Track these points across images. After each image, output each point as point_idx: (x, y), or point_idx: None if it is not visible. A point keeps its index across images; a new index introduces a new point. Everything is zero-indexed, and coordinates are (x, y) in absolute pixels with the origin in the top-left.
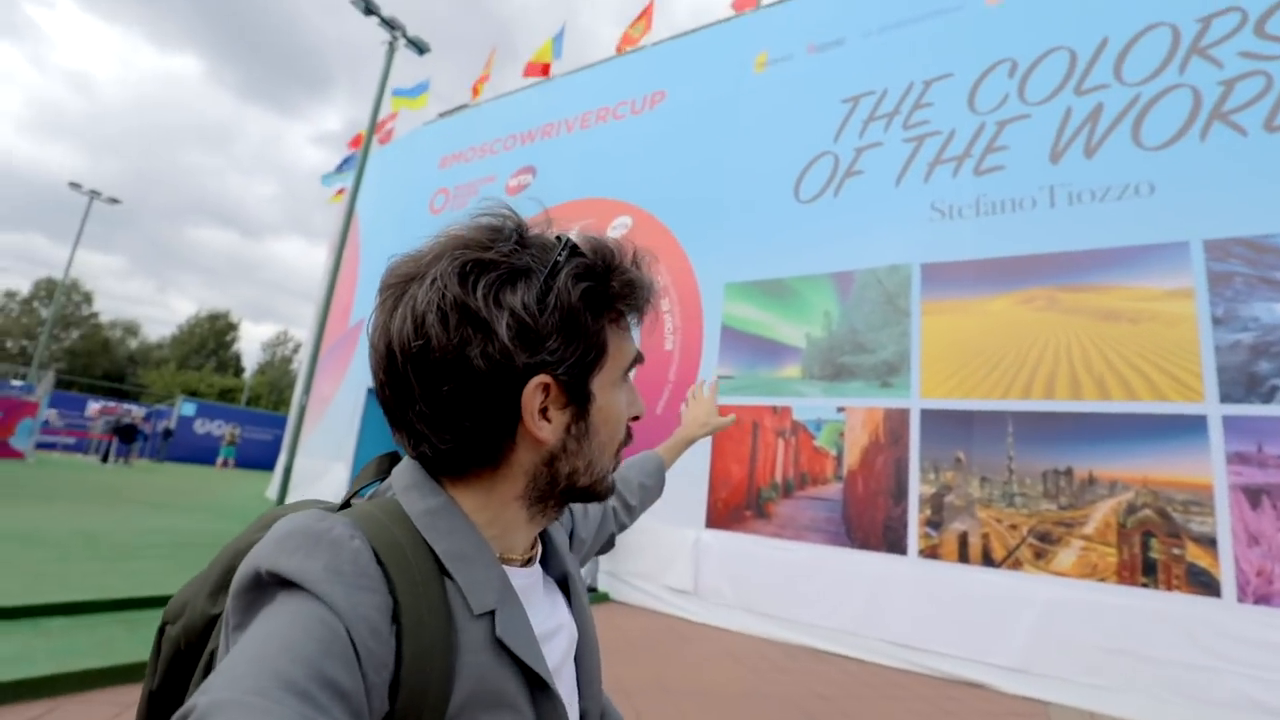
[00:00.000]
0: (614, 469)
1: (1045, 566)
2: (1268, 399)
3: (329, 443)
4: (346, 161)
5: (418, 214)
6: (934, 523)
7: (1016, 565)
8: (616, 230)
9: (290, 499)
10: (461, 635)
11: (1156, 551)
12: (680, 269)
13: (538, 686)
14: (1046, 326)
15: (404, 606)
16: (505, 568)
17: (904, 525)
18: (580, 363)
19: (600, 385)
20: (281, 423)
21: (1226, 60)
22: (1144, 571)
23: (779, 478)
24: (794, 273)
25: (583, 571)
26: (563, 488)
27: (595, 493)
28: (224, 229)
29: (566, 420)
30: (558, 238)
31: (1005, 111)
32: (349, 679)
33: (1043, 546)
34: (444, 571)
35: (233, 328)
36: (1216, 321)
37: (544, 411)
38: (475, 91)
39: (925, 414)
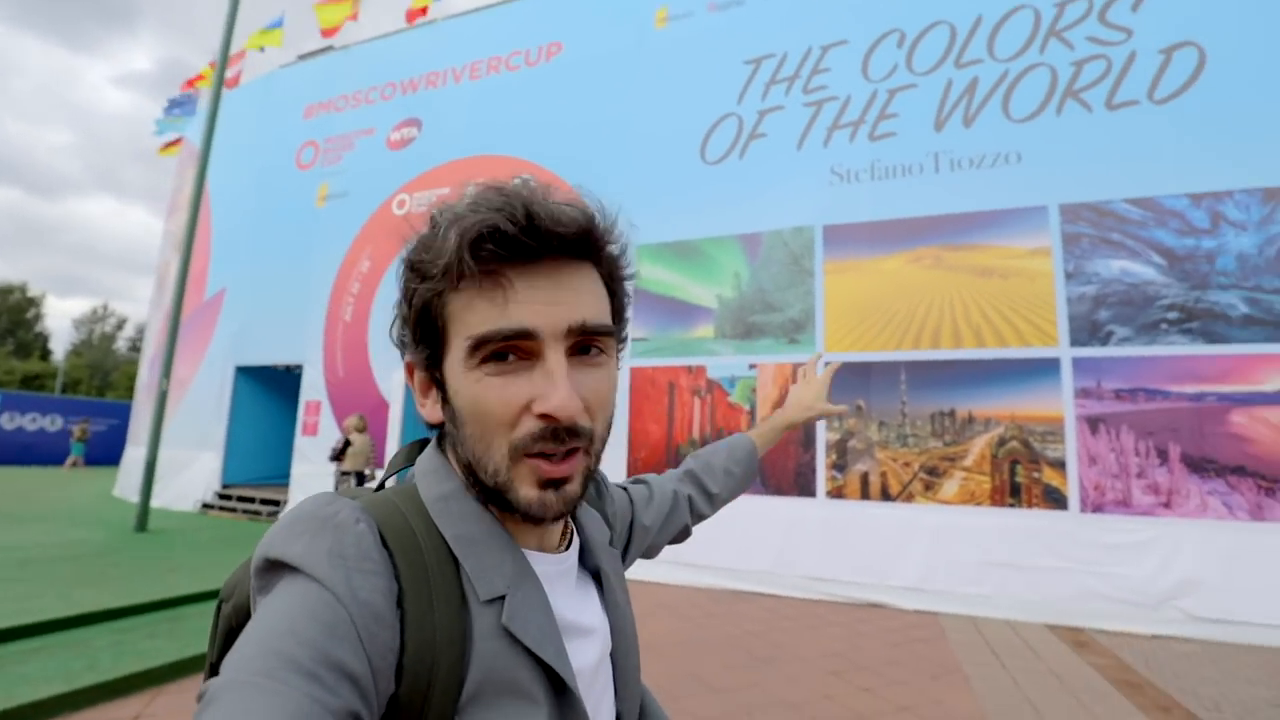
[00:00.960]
0: (534, 480)
1: (933, 497)
2: (1104, 342)
3: (192, 430)
4: (177, 105)
5: (281, 169)
6: (839, 466)
7: (910, 498)
8: None
9: (156, 493)
10: (475, 621)
11: (1021, 476)
12: None
13: (555, 680)
14: (933, 283)
15: (408, 591)
16: (528, 553)
17: (813, 470)
18: (422, 343)
19: (450, 368)
20: (118, 410)
21: (1077, 43)
22: (1011, 494)
23: (696, 434)
24: (704, 234)
25: None
26: (479, 484)
27: (506, 499)
28: (3, 185)
29: (438, 403)
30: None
31: (895, 80)
32: (355, 661)
33: (931, 480)
34: (457, 557)
35: (33, 303)
36: (1068, 276)
37: (430, 394)
38: (330, 30)
39: (829, 363)
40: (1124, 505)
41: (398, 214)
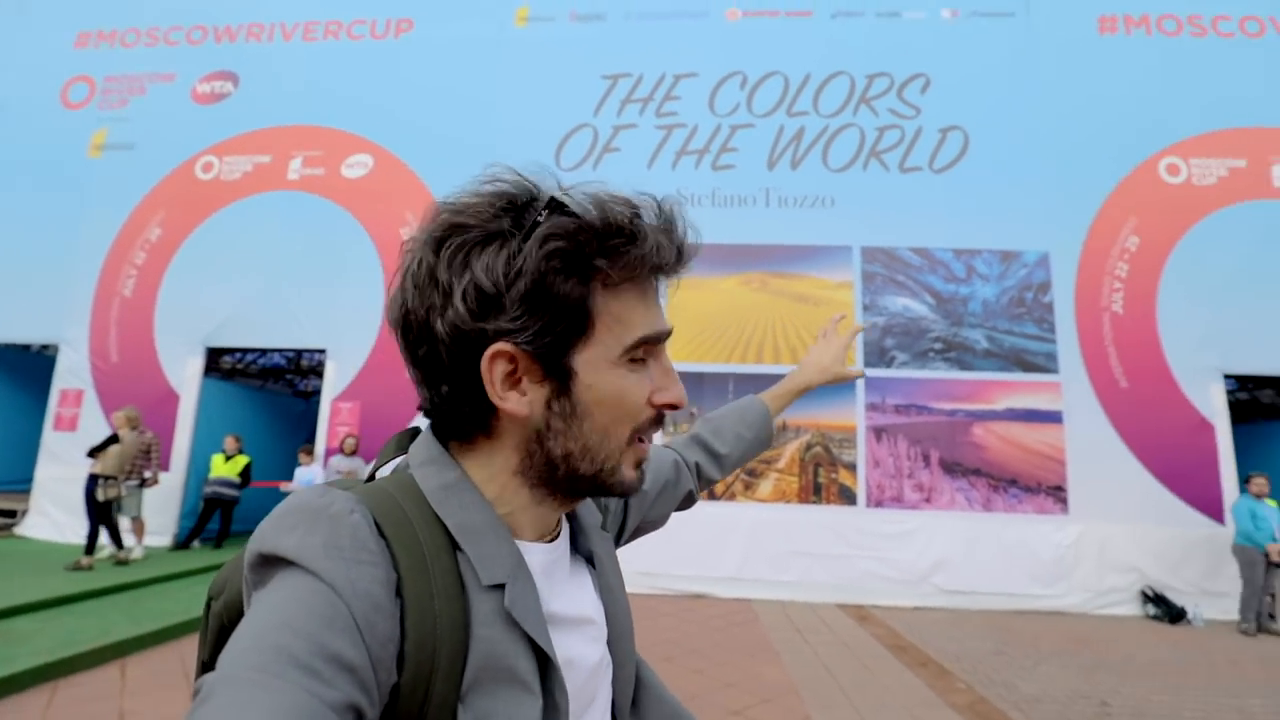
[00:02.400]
0: (635, 461)
1: (751, 495)
2: (889, 365)
3: None
4: None
5: (38, 102)
6: None
7: (732, 497)
8: (352, 170)
9: None
10: (474, 609)
11: (822, 477)
12: None
13: (546, 665)
14: (760, 305)
15: (406, 580)
16: (520, 543)
17: None
18: (549, 333)
19: (586, 361)
20: None
21: (881, 112)
22: (814, 492)
23: None
24: None
25: None
26: (564, 473)
27: (605, 485)
28: None
29: (546, 396)
30: (553, 199)
31: (737, 118)
32: (353, 652)
33: (750, 480)
34: (456, 546)
35: None
36: (865, 308)
37: (517, 384)
38: None
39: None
40: (898, 501)
41: (203, 178)
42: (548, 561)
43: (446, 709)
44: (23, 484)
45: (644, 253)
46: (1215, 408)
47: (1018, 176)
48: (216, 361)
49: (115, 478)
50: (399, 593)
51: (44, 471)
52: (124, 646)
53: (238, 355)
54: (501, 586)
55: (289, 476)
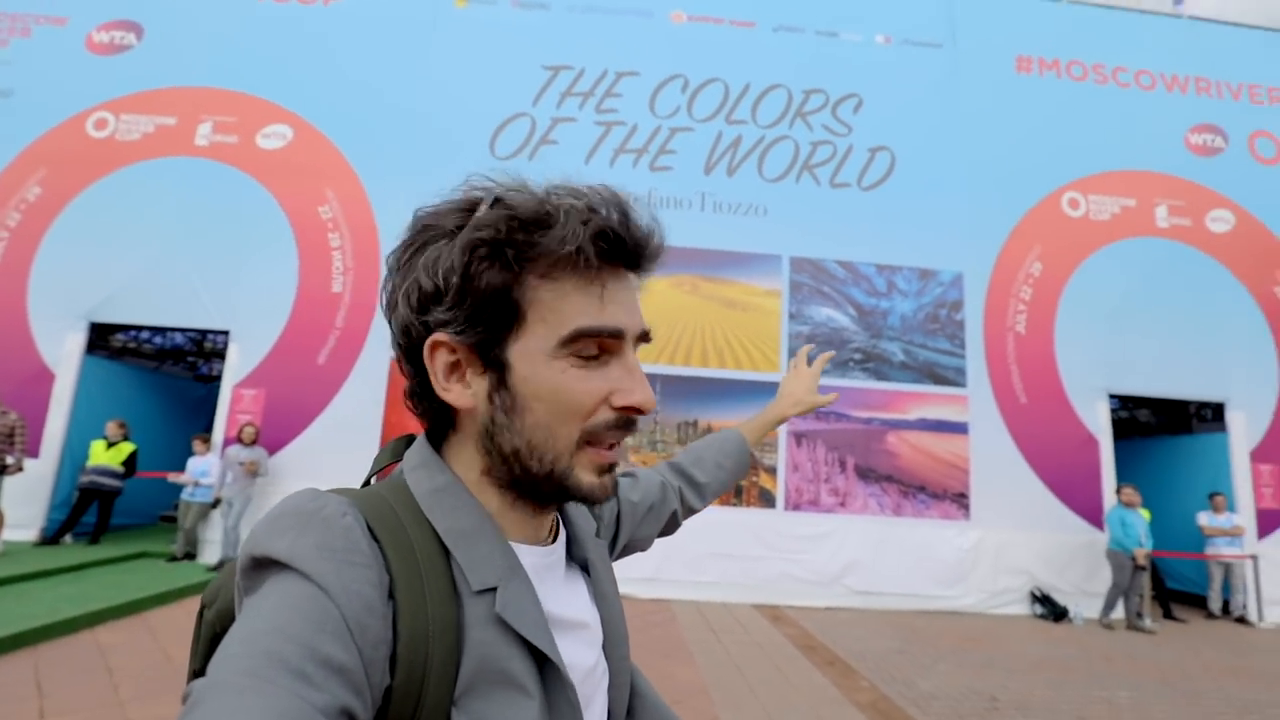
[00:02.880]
0: (594, 466)
1: None
2: None
3: None
4: None
5: None
6: None
7: None
8: (269, 140)
9: None
10: (467, 612)
11: (743, 480)
12: (354, 201)
13: (545, 666)
14: (689, 308)
15: (399, 582)
16: (515, 545)
17: None
18: (478, 322)
19: (521, 353)
20: None
21: (815, 127)
22: (734, 494)
23: None
24: None
25: None
26: (520, 473)
27: (564, 488)
28: None
29: (487, 388)
30: (496, 198)
31: (676, 120)
32: (345, 655)
33: None
34: (447, 550)
35: None
36: (791, 316)
37: (461, 376)
38: None
39: None
40: (814, 504)
41: (96, 136)
42: (542, 565)
43: (440, 712)
44: None
45: (561, 235)
46: (1100, 424)
47: (938, 199)
48: (104, 338)
49: None
50: (391, 595)
51: None
52: None
53: (131, 333)
54: (493, 590)
55: (182, 466)
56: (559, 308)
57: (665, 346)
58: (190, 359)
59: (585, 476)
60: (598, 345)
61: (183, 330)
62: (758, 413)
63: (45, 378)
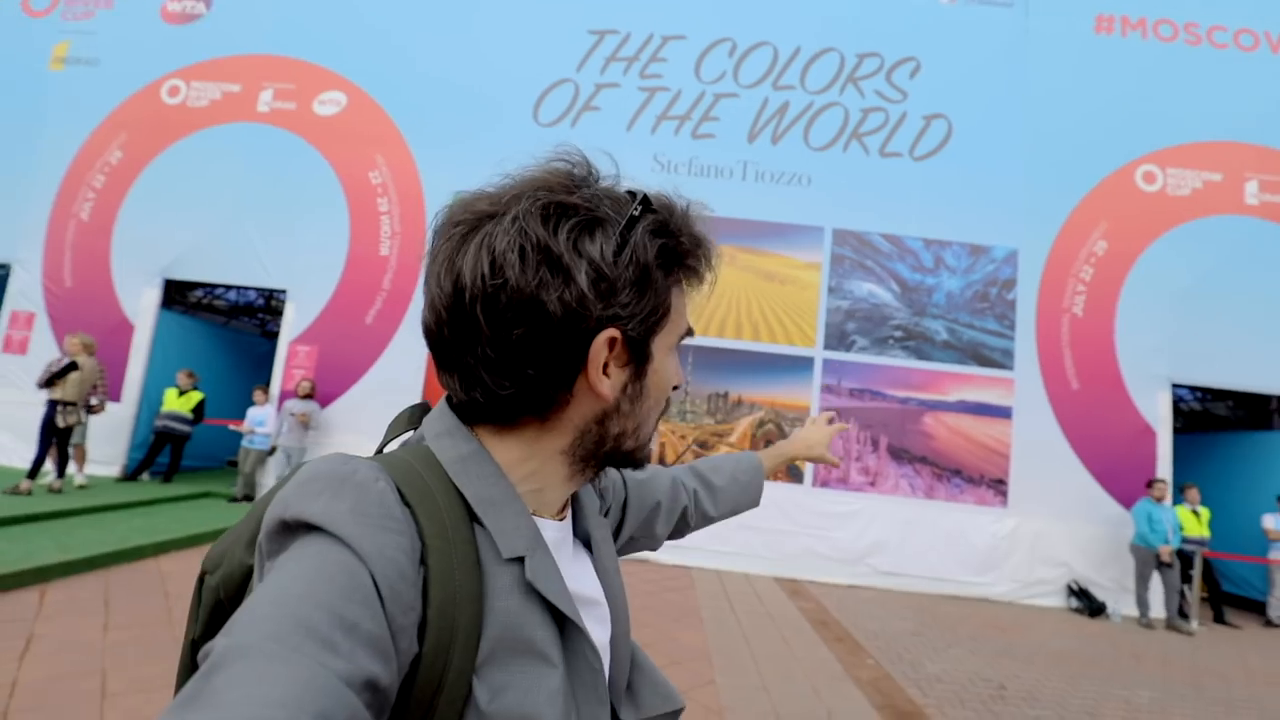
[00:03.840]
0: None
1: None
2: (848, 348)
3: None
4: None
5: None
6: None
7: None
8: (325, 107)
9: None
10: (491, 580)
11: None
12: (402, 167)
13: (567, 635)
14: (726, 279)
15: (431, 549)
16: (536, 519)
17: None
18: (647, 320)
19: (659, 346)
20: None
21: (868, 93)
22: None
23: None
24: None
25: None
26: (608, 449)
27: (636, 459)
28: None
29: (625, 379)
30: (629, 192)
31: (722, 86)
32: (374, 623)
33: (701, 452)
34: (474, 518)
35: None
36: (831, 290)
37: (605, 367)
38: None
39: None
40: (844, 483)
41: (169, 102)
42: (558, 539)
43: (463, 680)
44: None
45: (710, 255)
46: (1160, 415)
47: (996, 171)
48: (181, 294)
49: (75, 404)
50: (423, 561)
51: None
52: (46, 572)
53: (204, 290)
54: (521, 560)
55: (246, 416)
56: (682, 310)
57: (699, 317)
58: (261, 315)
59: (650, 445)
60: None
61: (244, 288)
62: (772, 447)
63: (125, 329)
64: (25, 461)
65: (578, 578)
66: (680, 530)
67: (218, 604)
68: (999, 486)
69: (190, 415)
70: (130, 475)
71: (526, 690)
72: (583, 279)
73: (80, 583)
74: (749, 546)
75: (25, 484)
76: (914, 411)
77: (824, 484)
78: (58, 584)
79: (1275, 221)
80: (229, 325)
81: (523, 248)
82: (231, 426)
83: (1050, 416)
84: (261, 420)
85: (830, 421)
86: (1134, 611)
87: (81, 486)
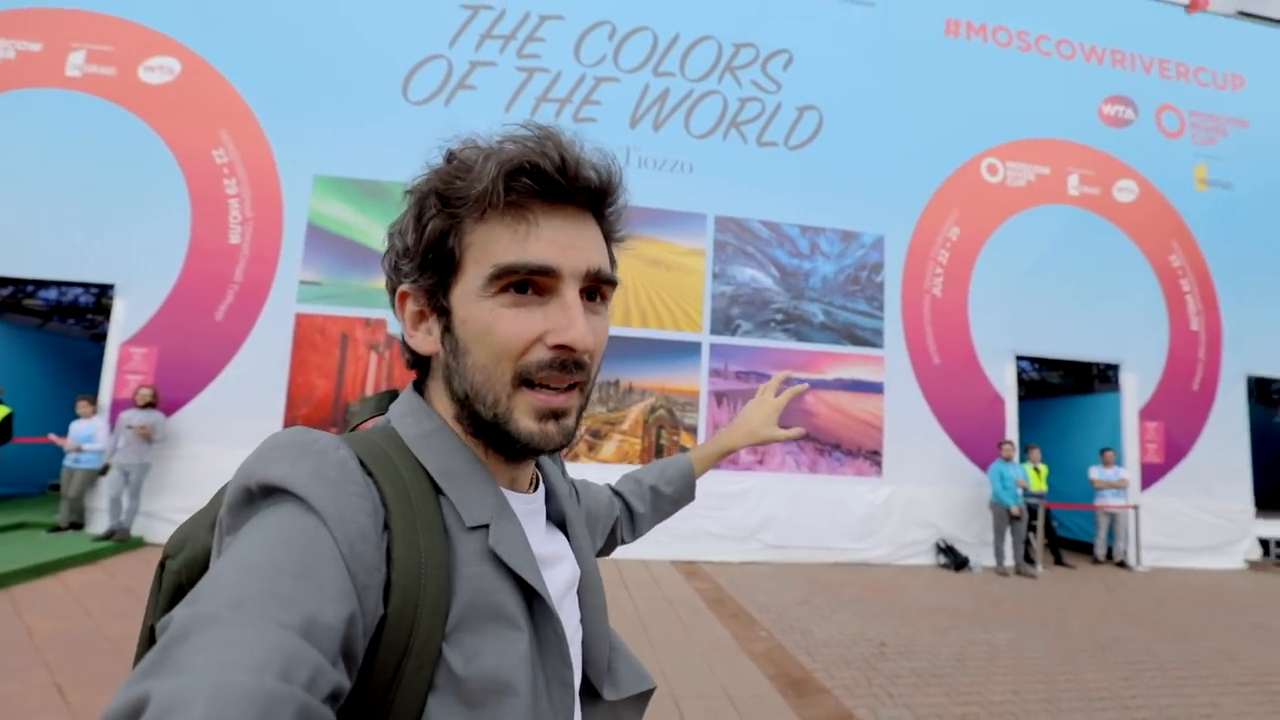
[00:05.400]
0: (532, 411)
1: (594, 456)
2: (734, 333)
3: None
4: None
5: None
6: None
7: (575, 457)
8: (153, 74)
9: None
10: (457, 548)
11: (665, 439)
12: (253, 146)
13: (535, 602)
14: None
15: (394, 513)
16: (505, 491)
17: None
18: (426, 270)
19: (460, 296)
20: None
21: (744, 82)
22: (655, 453)
23: (370, 392)
24: (397, 177)
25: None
26: (471, 418)
27: (507, 433)
28: None
29: (439, 333)
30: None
31: (602, 70)
32: (337, 581)
33: (594, 441)
34: (438, 490)
35: None
36: (715, 276)
37: (425, 324)
38: None
39: None
40: (733, 463)
41: None
42: (526, 511)
43: (432, 645)
44: None
45: (477, 175)
46: (1007, 384)
47: (864, 161)
48: None
49: None
50: (386, 526)
51: None
52: None
53: (13, 288)
54: (485, 527)
55: (67, 431)
56: (487, 248)
57: None
58: (91, 316)
59: (524, 421)
60: (532, 284)
61: (59, 284)
62: (709, 440)
63: None
64: None
65: (552, 553)
66: (608, 549)
67: (179, 588)
68: (874, 457)
69: None
70: None
71: (501, 654)
72: (391, 247)
73: None
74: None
75: None
76: None
77: (715, 466)
78: None
79: (1093, 211)
80: (44, 328)
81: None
82: (54, 441)
83: (917, 390)
84: (89, 436)
85: (785, 386)
86: (992, 562)
87: None
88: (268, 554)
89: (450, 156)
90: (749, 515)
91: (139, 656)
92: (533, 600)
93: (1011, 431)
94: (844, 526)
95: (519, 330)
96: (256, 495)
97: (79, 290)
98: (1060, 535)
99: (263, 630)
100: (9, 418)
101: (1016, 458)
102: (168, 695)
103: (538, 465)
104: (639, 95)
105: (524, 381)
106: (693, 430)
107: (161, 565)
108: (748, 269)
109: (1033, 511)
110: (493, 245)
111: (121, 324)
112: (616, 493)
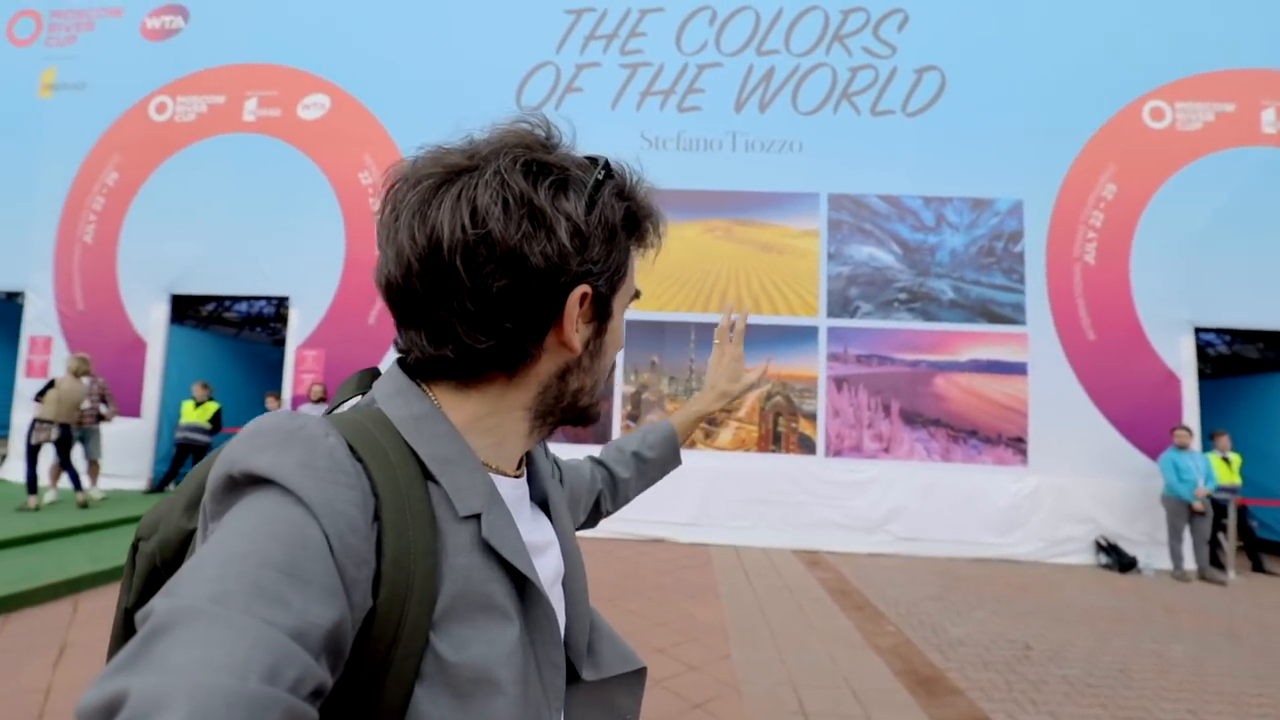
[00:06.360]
0: None
1: (711, 444)
2: (852, 315)
3: None
4: None
5: None
6: (632, 416)
7: (692, 445)
8: (309, 111)
9: None
10: (447, 538)
11: (782, 426)
12: (391, 164)
13: (525, 593)
14: (723, 253)
15: (385, 503)
16: (493, 476)
17: (609, 420)
18: (612, 278)
19: (618, 304)
20: None
21: (855, 51)
22: (773, 441)
23: None
24: None
25: None
26: (565, 404)
27: (590, 415)
28: None
29: (589, 335)
30: (589, 157)
31: (704, 56)
32: (324, 576)
33: (710, 429)
34: (428, 476)
35: None
36: (830, 257)
37: (577, 323)
38: None
39: (629, 324)
40: (857, 450)
41: (157, 119)
42: (516, 496)
43: (419, 635)
44: (2, 429)
45: (660, 234)
46: (1183, 361)
47: (994, 121)
48: (193, 309)
49: (50, 422)
50: (376, 516)
51: (19, 417)
52: (78, 583)
53: (215, 304)
54: (477, 517)
55: None
56: (634, 273)
57: (699, 294)
58: (273, 325)
59: (595, 407)
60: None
61: (248, 298)
62: (685, 406)
63: (138, 346)
64: (43, 480)
65: (534, 528)
66: (591, 522)
67: (153, 570)
68: (1018, 445)
69: (209, 425)
70: (157, 488)
71: (490, 643)
72: (563, 233)
73: (111, 592)
74: (765, 520)
75: (31, 500)
76: (924, 374)
77: (837, 453)
78: (89, 594)
79: None
80: (239, 336)
81: (506, 200)
82: None
83: (1068, 370)
84: None
85: (732, 329)
86: (1168, 565)
87: (83, 504)
88: (252, 545)
89: (609, 172)
90: (875, 505)
91: (113, 641)
92: (522, 590)
93: (1190, 415)
94: (984, 519)
95: (623, 336)
96: (241, 483)
97: (263, 302)
98: (1261, 537)
99: (246, 627)
100: (219, 412)
101: (1196, 445)
102: (146, 694)
103: None
104: (743, 77)
105: None
106: (811, 417)
107: (135, 547)
108: (865, 247)
109: (1222, 508)
110: (634, 271)
111: (296, 330)
112: (599, 462)
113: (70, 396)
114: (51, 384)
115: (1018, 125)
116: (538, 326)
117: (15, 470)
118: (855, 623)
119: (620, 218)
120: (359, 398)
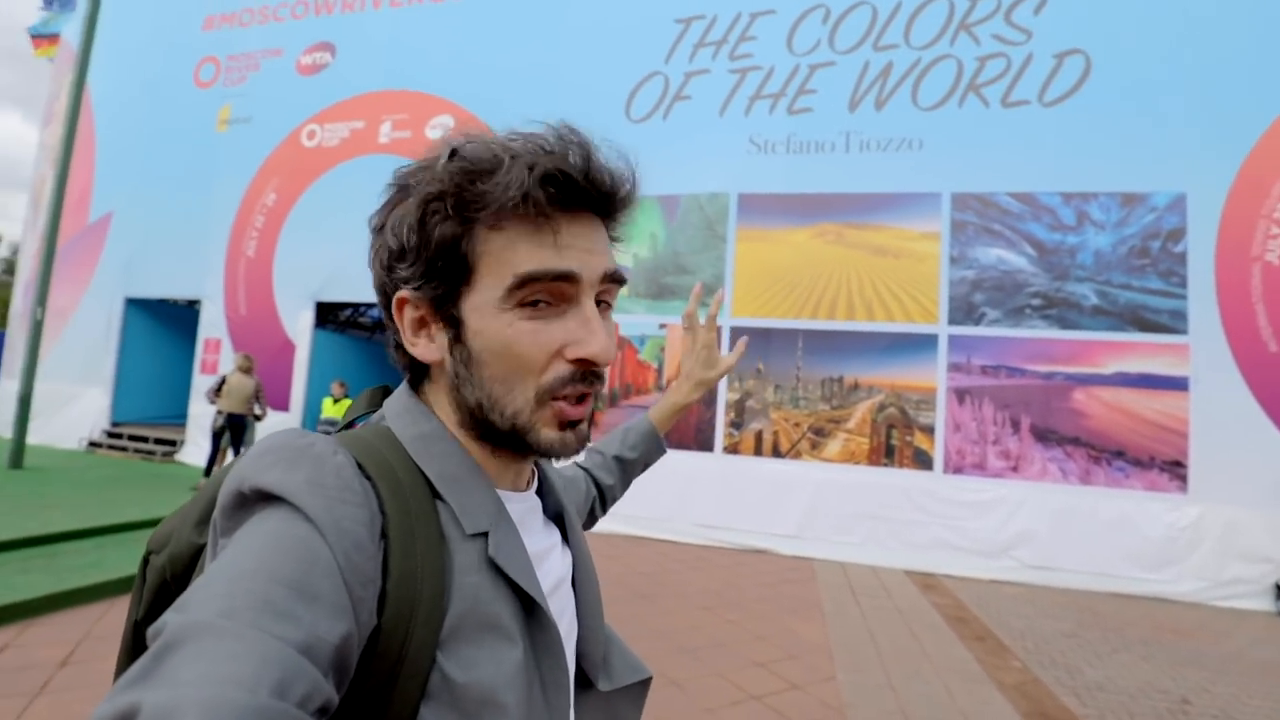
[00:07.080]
0: (555, 421)
1: (818, 455)
2: (977, 322)
3: (74, 364)
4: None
5: (177, 85)
6: (736, 423)
7: (797, 455)
8: (435, 131)
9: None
10: (455, 556)
11: (896, 439)
12: None
13: (531, 612)
14: (833, 258)
15: (392, 522)
16: (500, 492)
17: (712, 427)
18: (434, 277)
19: (473, 307)
20: None
21: (983, 39)
22: (885, 454)
23: (606, 389)
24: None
25: None
26: (485, 425)
27: (527, 443)
28: None
29: (448, 343)
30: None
31: (816, 56)
32: (331, 593)
33: (817, 439)
34: (436, 494)
35: None
36: (952, 260)
37: (428, 331)
38: None
39: (734, 330)
40: (979, 468)
41: (307, 145)
42: (524, 510)
43: (425, 654)
44: (180, 418)
45: (505, 182)
46: None
47: (1150, 106)
48: (332, 313)
49: (243, 416)
50: (384, 534)
51: (195, 408)
52: None
53: (351, 309)
54: (484, 535)
55: None
56: (507, 257)
57: (808, 301)
58: None
59: (546, 432)
60: (550, 294)
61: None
62: (662, 398)
63: (289, 348)
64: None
65: (546, 551)
66: (587, 526)
67: (163, 584)
68: (1176, 469)
69: (343, 420)
70: None
71: (496, 664)
72: (375, 255)
73: None
74: (874, 537)
75: (201, 483)
76: (1060, 387)
77: (957, 470)
78: None
79: None
80: (372, 339)
81: (376, 222)
82: None
83: (1241, 385)
84: None
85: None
86: None
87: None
88: (261, 562)
89: (454, 153)
90: (1000, 529)
91: (122, 654)
92: (529, 613)
93: None
94: (1130, 550)
95: (539, 344)
96: (251, 500)
97: None
98: None
99: (256, 642)
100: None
101: None
102: (159, 707)
103: (535, 460)
104: (858, 76)
105: (549, 396)
106: (929, 430)
107: (145, 560)
108: (993, 249)
109: None
110: (514, 255)
111: None
112: (587, 470)
113: (239, 390)
114: (224, 380)
115: (1178, 109)
116: (400, 340)
117: (192, 454)
118: (975, 654)
119: (419, 207)
120: (371, 414)
